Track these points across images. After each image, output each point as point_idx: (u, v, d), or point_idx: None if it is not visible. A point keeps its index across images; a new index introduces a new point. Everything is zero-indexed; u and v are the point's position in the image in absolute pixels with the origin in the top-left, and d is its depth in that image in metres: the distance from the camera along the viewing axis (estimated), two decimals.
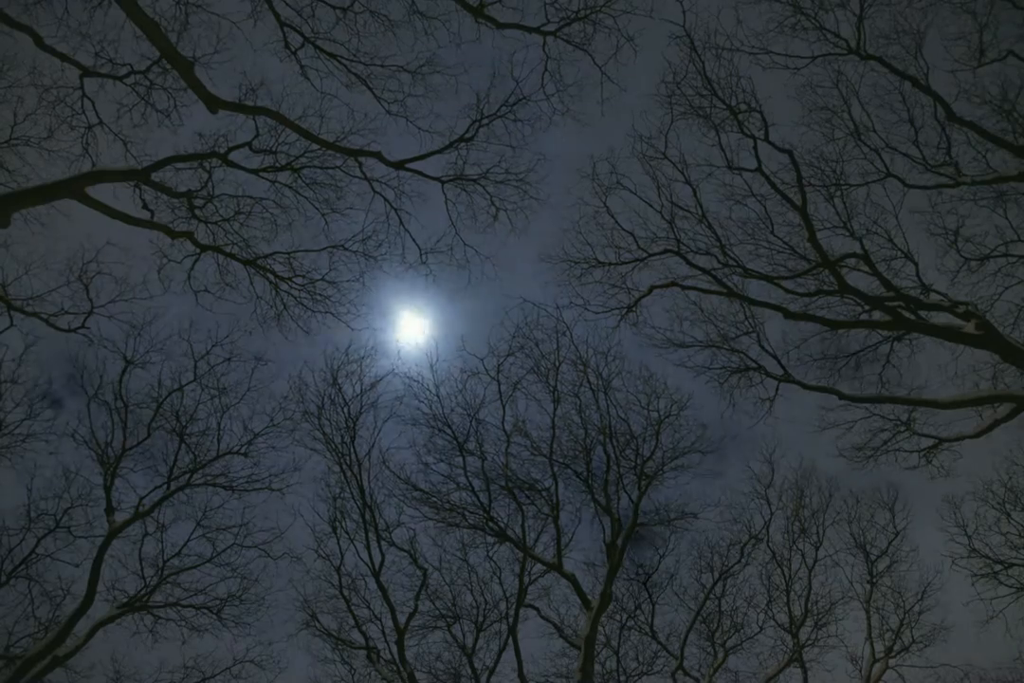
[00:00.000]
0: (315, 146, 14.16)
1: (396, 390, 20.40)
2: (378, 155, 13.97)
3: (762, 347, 15.81)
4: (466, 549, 21.61)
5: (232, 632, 19.60)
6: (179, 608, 18.98)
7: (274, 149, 14.34)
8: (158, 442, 18.45)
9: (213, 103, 12.42)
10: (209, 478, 18.80)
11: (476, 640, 21.48)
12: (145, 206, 14.14)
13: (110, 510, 17.40)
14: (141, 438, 18.21)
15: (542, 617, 21.70)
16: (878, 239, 15.47)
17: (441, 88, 13.93)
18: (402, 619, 20.05)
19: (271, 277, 15.27)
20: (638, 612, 23.55)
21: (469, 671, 21.23)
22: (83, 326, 16.02)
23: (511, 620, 20.21)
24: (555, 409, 19.72)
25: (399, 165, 14.16)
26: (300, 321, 15.59)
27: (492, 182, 14.88)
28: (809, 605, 23.67)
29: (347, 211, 15.16)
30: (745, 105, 14.29)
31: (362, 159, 14.35)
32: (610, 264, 15.85)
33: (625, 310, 16.00)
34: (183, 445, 18.50)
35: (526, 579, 20.24)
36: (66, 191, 12.05)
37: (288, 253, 15.21)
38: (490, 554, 21.38)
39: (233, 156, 14.11)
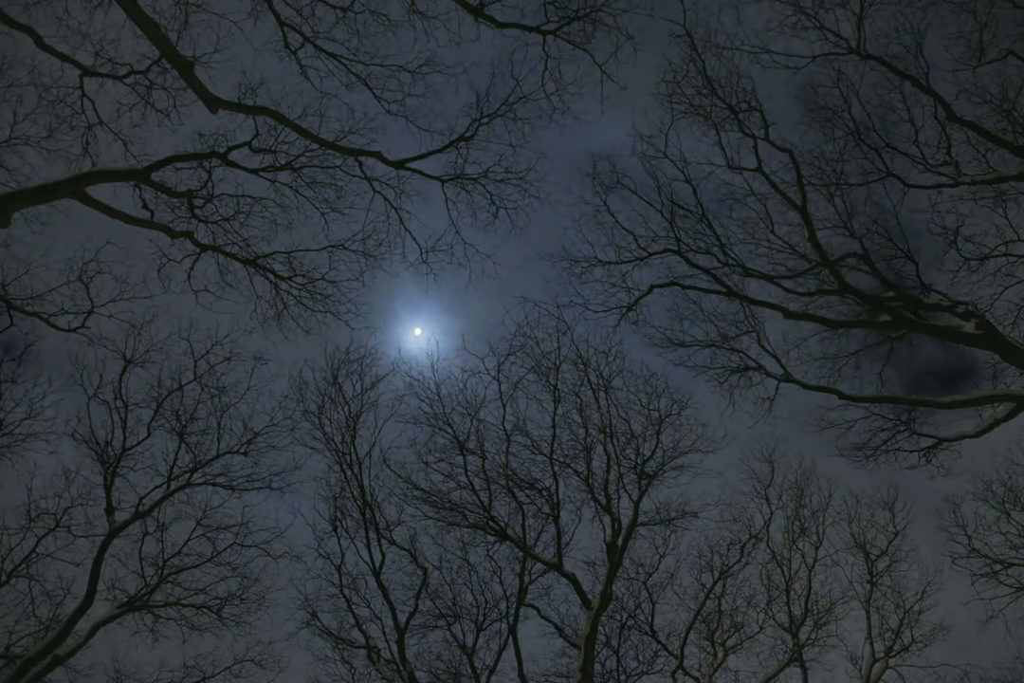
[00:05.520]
0: (315, 145, 14.13)
1: (397, 389, 20.45)
2: (378, 155, 13.96)
3: (762, 347, 15.80)
4: (466, 548, 21.65)
5: (232, 631, 19.63)
6: (179, 607, 18.98)
7: (274, 149, 14.31)
8: (158, 442, 18.49)
9: (213, 103, 12.41)
10: (209, 478, 18.83)
11: (476, 639, 21.50)
12: (145, 206, 14.10)
13: (110, 509, 17.41)
14: (141, 438, 18.25)
15: (542, 617, 21.66)
16: (878, 239, 15.47)
17: (441, 87, 13.94)
18: (402, 618, 20.10)
19: (271, 277, 15.25)
20: (638, 612, 23.56)
21: (469, 670, 21.25)
22: (83, 326, 16.01)
23: (511, 619, 20.25)
24: (555, 408, 19.72)
25: (399, 164, 14.14)
26: (300, 320, 15.58)
27: (492, 181, 14.86)
28: (809, 605, 23.65)
29: (347, 210, 15.14)
30: (745, 104, 14.31)
31: (362, 158, 14.32)
32: (610, 263, 15.84)
33: (625, 309, 15.99)
34: (183, 445, 18.52)
35: (526, 578, 20.26)
36: (66, 191, 12.04)
37: (288, 253, 15.19)
38: (490, 553, 21.40)
39: (233, 156, 14.07)
